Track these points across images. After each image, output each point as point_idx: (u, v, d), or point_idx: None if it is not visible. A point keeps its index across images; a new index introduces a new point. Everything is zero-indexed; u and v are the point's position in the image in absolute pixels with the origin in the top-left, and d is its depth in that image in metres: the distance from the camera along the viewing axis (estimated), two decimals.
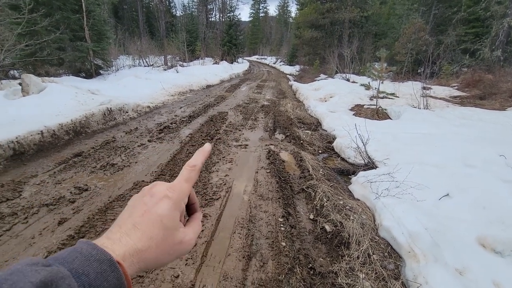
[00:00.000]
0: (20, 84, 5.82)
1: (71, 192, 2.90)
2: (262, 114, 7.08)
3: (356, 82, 12.84)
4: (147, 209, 0.36)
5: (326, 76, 16.23)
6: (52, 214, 2.54)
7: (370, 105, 7.79)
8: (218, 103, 8.26)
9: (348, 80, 14.04)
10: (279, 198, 3.05)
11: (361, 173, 3.56)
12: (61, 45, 9.96)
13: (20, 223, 2.38)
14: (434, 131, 4.98)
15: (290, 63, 30.71)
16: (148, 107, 6.76)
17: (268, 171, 3.75)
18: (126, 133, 4.90)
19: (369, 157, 3.91)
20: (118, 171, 3.46)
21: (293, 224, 2.57)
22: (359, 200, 3.11)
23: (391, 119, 6.74)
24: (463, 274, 1.84)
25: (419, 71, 14.68)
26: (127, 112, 5.90)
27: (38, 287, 0.23)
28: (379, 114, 6.97)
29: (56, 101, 4.98)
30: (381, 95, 7.47)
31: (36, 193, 2.85)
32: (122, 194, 2.90)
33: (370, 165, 3.83)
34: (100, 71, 12.31)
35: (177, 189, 0.39)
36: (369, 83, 7.61)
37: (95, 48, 10.87)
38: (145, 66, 16.65)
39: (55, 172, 3.32)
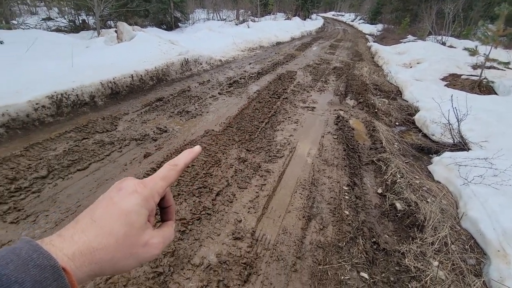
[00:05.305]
0: (115, 31, 6.51)
1: (154, 132, 3.28)
2: (333, 77, 6.54)
3: (455, 47, 10.58)
4: (111, 203, 0.32)
5: (415, 38, 13.77)
6: (139, 148, 2.94)
7: (471, 75, 6.40)
8: (287, 61, 7.91)
9: (443, 43, 11.68)
10: (345, 166, 2.89)
11: (447, 154, 3.07)
12: None
13: (116, 151, 2.83)
14: None
15: (372, 21, 26.86)
16: (220, 60, 6.90)
17: (335, 137, 3.54)
18: (199, 84, 5.17)
19: (461, 136, 3.31)
20: (191, 118, 3.73)
21: (359, 195, 2.43)
22: (439, 182, 2.73)
23: (497, 94, 5.48)
24: None
25: None
26: (201, 64, 6.14)
27: None
28: (482, 88, 5.71)
29: (143, 49, 5.45)
30: (489, 64, 6.00)
31: (127, 129, 3.31)
32: (194, 140, 3.15)
33: (460, 146, 3.26)
34: (179, 23, 12.90)
35: (149, 185, 0.35)
36: (476, 47, 6.07)
37: (175, 0, 11.29)
38: (218, 20, 16.76)
39: (141, 113, 3.76)
